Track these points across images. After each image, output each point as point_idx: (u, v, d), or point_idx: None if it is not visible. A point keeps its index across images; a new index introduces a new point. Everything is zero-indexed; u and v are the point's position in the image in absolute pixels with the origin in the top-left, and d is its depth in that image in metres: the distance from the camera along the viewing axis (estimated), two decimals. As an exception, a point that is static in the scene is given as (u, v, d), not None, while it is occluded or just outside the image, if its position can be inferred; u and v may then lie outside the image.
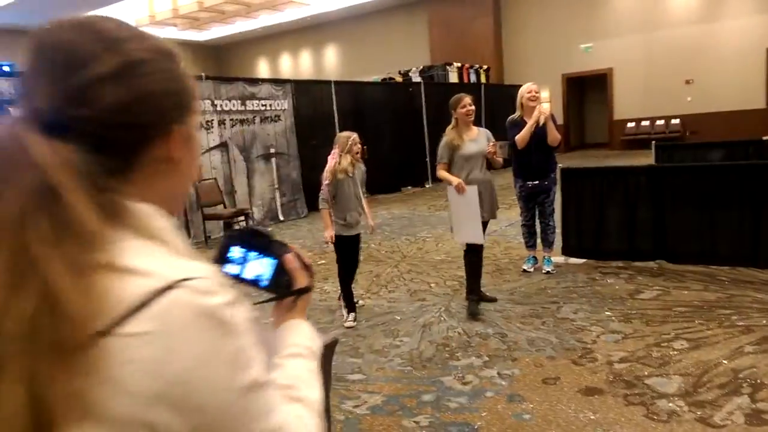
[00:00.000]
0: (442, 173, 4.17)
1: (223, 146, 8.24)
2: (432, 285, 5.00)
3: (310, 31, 20.09)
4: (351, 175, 4.14)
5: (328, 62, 20.60)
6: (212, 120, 8.07)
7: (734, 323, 3.63)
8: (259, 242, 0.84)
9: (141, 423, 0.52)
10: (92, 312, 0.51)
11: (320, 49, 20.62)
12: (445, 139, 4.17)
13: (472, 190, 4.01)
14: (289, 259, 0.83)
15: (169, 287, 0.54)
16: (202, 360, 0.55)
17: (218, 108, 8.15)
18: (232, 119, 8.36)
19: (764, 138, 7.99)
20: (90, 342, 0.51)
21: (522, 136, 4.75)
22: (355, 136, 4.22)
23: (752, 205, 4.69)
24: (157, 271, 0.55)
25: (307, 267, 0.86)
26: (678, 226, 5.00)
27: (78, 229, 0.53)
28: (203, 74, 8.22)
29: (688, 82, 14.25)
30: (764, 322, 3.61)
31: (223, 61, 22.58)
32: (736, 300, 4.04)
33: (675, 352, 3.30)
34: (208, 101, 7.96)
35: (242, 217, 7.64)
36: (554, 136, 4.77)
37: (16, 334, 0.50)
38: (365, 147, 4.57)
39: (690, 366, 3.12)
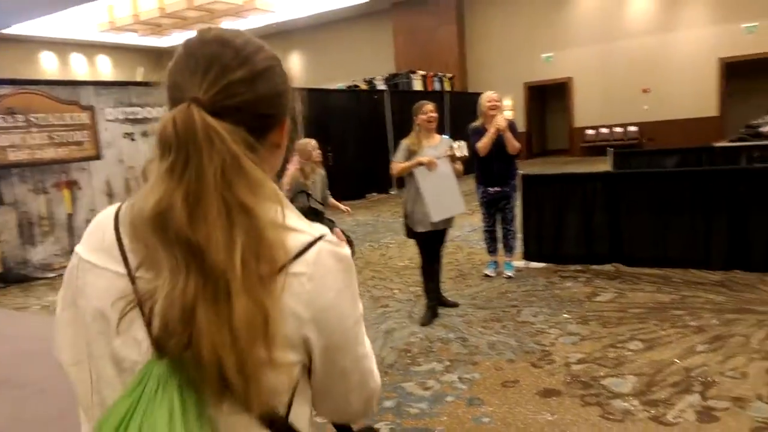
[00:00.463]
0: (399, 166, 4.12)
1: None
2: (395, 291, 5.01)
3: (274, 39, 19.95)
4: (312, 180, 4.14)
5: (294, 69, 20.48)
6: (172, 127, 7.93)
7: (686, 323, 3.74)
8: (314, 219, 1.04)
9: (299, 338, 0.73)
10: (278, 253, 0.70)
11: (285, 57, 19.78)
12: (404, 143, 4.20)
13: (443, 161, 4.07)
14: (338, 232, 0.97)
15: (316, 240, 0.75)
16: (340, 294, 0.76)
17: (178, 115, 8.01)
18: (193, 126, 8.22)
19: (715, 145, 8.29)
20: (275, 275, 0.70)
21: (483, 144, 4.81)
22: (313, 142, 4.21)
23: (704, 210, 4.85)
24: (304, 228, 0.76)
25: (348, 240, 1.03)
26: (634, 230, 5.13)
27: (261, 188, 0.71)
28: (159, 81, 8.07)
29: (645, 90, 14.69)
30: (715, 321, 3.73)
31: (186, 67, 22.29)
32: (689, 301, 4.16)
33: (630, 353, 3.38)
34: (164, 109, 7.81)
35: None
36: (512, 145, 4.83)
37: (236, 262, 0.66)
38: (330, 153, 4.58)
39: (644, 366, 3.20)
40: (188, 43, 0.78)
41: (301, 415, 0.77)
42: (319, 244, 0.74)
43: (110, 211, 0.81)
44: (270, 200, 0.72)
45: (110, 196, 7.23)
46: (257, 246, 0.68)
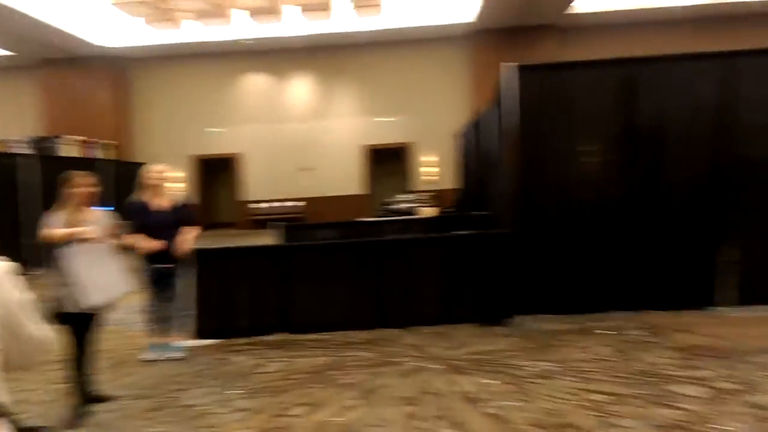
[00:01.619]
0: (48, 232, 3.67)
1: None
2: (33, 392, 4.17)
3: None
4: None
5: None
6: None
7: (341, 382, 4.07)
8: None
9: None
10: None
11: None
12: (55, 215, 3.70)
13: (100, 238, 3.75)
14: None
15: None
16: (11, 286, 1.35)
17: None
18: None
19: (356, 220, 9.64)
20: None
21: (143, 247, 4.58)
22: None
23: (355, 276, 5.49)
24: None
25: None
26: (300, 299, 5.46)
27: None
28: None
29: (307, 168, 16.25)
30: (364, 376, 4.15)
31: None
32: (342, 360, 4.55)
33: (296, 419, 3.49)
34: None
35: None
36: (186, 243, 4.75)
37: None
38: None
39: (308, 429, 3.33)
40: None
41: None
42: None
43: None
44: None
45: None
46: None
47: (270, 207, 16.11)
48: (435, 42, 15.75)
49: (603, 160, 5.67)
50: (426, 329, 5.27)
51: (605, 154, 5.67)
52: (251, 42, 15.21)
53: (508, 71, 5.69)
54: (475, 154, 9.58)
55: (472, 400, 3.65)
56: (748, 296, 5.49)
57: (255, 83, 16.50)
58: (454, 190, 13.81)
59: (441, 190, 15.30)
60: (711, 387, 3.68)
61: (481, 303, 5.45)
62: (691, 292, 5.57)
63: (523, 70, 5.67)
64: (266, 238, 9.24)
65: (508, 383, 3.90)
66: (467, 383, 3.94)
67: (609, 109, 5.65)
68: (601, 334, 4.91)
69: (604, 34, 15.01)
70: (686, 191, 5.60)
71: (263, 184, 16.28)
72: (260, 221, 15.44)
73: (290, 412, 3.59)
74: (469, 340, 4.92)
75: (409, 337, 5.09)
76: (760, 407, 3.34)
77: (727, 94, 5.55)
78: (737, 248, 5.53)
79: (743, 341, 4.51)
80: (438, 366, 4.32)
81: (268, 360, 4.67)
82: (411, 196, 14.00)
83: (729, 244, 5.54)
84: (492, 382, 3.94)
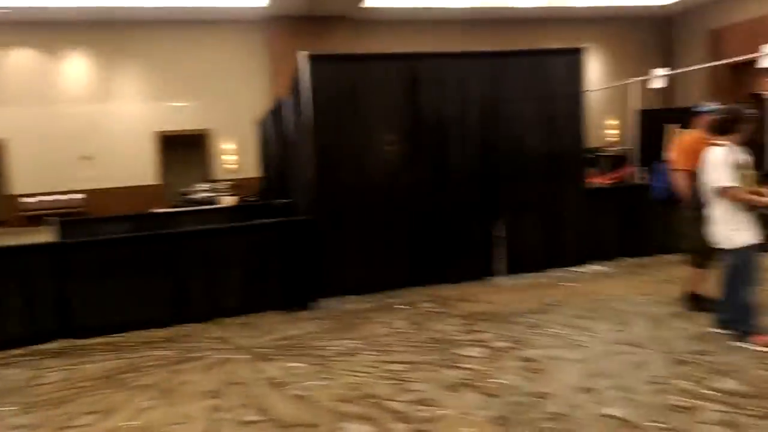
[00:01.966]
0: None
1: None
2: None
3: None
4: None
5: None
6: None
7: (137, 384, 3.79)
8: None
9: None
10: None
11: None
12: None
13: None
14: None
15: None
16: None
17: None
18: None
19: (156, 211, 8.98)
20: None
21: None
22: None
23: (149, 272, 5.13)
24: None
25: None
26: (85, 300, 4.94)
27: None
28: None
29: (86, 157, 14.57)
30: (163, 376, 3.91)
31: None
32: (138, 361, 4.23)
33: (83, 428, 3.17)
34: None
35: None
36: None
37: None
38: None
39: (98, 440, 3.05)
40: None
41: None
42: None
43: None
44: None
45: None
46: None
47: (41, 201, 14.16)
48: (230, 24, 15.22)
49: (394, 149, 6.05)
50: (231, 320, 5.14)
51: (396, 144, 6.06)
52: (9, 11, 13.10)
53: (302, 60, 5.76)
54: (276, 142, 9.54)
55: (278, 384, 3.68)
56: (516, 266, 6.37)
57: (18, 60, 14.28)
58: (256, 178, 13.60)
59: (243, 179, 14.94)
60: (489, 347, 4.20)
61: (286, 289, 5.48)
62: (472, 266, 6.27)
63: (315, 60, 5.76)
64: (41, 236, 8.13)
65: (313, 364, 4.00)
66: (273, 369, 3.95)
67: (397, 101, 6.03)
68: (398, 309, 5.29)
69: (392, 28, 15.94)
70: (464, 177, 6.24)
71: (35, 176, 14.22)
72: (35, 217, 13.51)
73: (76, 422, 3.24)
74: (275, 327, 4.93)
75: (213, 330, 4.92)
76: (528, 360, 3.91)
77: (492, 90, 6.30)
78: (505, 225, 6.36)
79: (513, 305, 5.23)
80: (243, 356, 4.25)
81: (47, 369, 4.14)
82: (211, 186, 13.44)
83: (499, 221, 6.35)
84: (298, 364, 4.01)
